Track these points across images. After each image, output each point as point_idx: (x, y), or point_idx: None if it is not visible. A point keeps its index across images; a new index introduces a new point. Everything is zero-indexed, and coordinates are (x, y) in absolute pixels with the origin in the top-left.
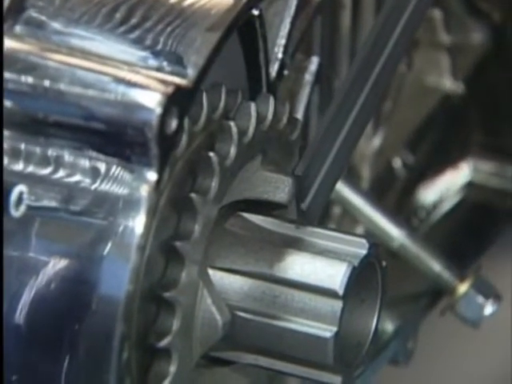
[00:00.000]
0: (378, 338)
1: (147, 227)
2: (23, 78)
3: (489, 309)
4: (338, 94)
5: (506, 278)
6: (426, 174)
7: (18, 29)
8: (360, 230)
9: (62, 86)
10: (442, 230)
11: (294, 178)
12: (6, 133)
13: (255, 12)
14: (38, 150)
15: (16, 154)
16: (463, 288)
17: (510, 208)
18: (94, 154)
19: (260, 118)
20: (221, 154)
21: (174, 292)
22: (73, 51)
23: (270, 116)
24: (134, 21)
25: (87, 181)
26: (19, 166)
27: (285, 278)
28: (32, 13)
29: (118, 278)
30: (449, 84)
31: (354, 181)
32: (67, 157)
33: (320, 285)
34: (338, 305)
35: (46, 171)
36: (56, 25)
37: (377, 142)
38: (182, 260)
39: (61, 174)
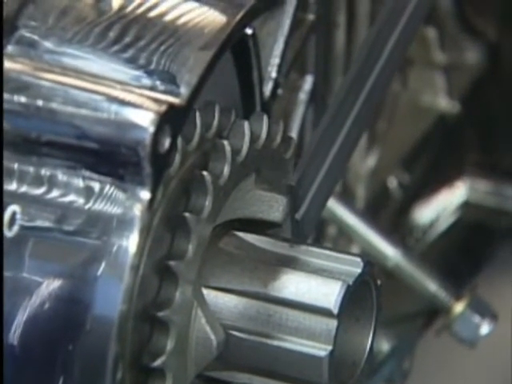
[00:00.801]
0: (373, 357)
1: (141, 247)
2: (16, 98)
3: (485, 328)
4: (332, 105)
5: (502, 297)
6: (421, 194)
7: (10, 48)
8: (355, 249)
9: (55, 106)
10: (438, 250)
11: (288, 188)
12: None
13: (248, 31)
14: (31, 169)
15: (9, 174)
16: (459, 308)
17: (506, 227)
18: (87, 173)
19: (254, 137)
20: (214, 173)
21: (167, 312)
22: (65, 70)
23: (263, 135)
24: (127, 40)
25: (80, 200)
26: (12, 186)
27: (279, 297)
28: (24, 32)
29: (111, 298)
30: (444, 103)
31: (349, 200)
32: (60, 176)
33: (314, 304)
34: (332, 324)
35: (40, 191)
36: (48, 44)
37: (372, 161)
38: (175, 279)
39: (54, 193)
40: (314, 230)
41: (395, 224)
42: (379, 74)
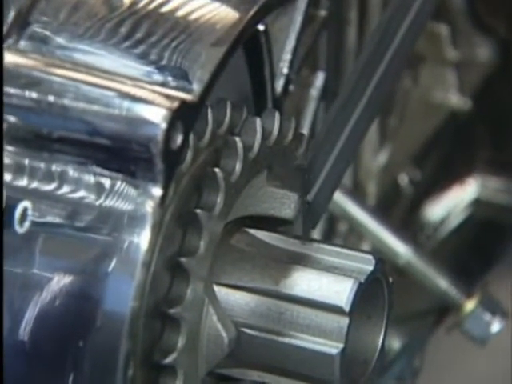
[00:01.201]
0: (384, 354)
1: (152, 243)
2: (27, 94)
3: (496, 326)
4: (344, 88)
5: None
6: (432, 191)
7: (22, 44)
8: (366, 246)
9: (66, 101)
10: (449, 247)
11: (300, 168)
12: (9, 148)
13: (260, 27)
14: (42, 165)
15: (20, 170)
16: (470, 305)
17: None
18: (98, 169)
19: (265, 134)
20: (226, 170)
21: (179, 308)
22: (77, 66)
23: (275, 132)
24: (138, 35)
25: (92, 196)
26: (23, 182)
27: (291, 294)
28: (36, 28)
29: (122, 295)
30: (455, 100)
31: (360, 197)
32: (71, 172)
33: (326, 301)
34: (344, 321)
35: (51, 187)
36: (60, 40)
37: (383, 158)
38: (187, 276)
39: (65, 189)
40: (325, 212)
41: (406, 221)
42: (390, 59)
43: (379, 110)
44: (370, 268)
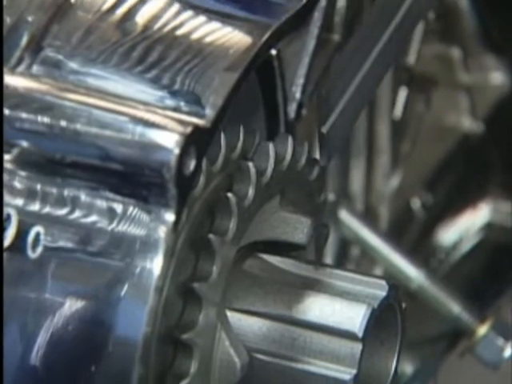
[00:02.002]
0: (397, 380)
1: (165, 268)
2: (40, 118)
3: (508, 351)
4: (369, 20)
5: None
6: (444, 215)
7: (35, 68)
8: (378, 270)
9: (79, 126)
10: (462, 271)
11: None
12: (22, 173)
13: (273, 51)
14: (54, 190)
15: (33, 195)
16: (483, 330)
17: None
18: (110, 194)
19: (278, 159)
20: (239, 195)
21: (191, 334)
22: (89, 91)
23: (288, 156)
24: (151, 60)
25: (104, 221)
26: (36, 207)
27: (304, 319)
28: (49, 52)
29: (135, 320)
30: (468, 124)
31: (372, 221)
32: (84, 197)
33: (339, 327)
34: (357, 347)
35: (63, 212)
36: (73, 64)
37: (395, 182)
38: (199, 301)
39: (77, 214)
40: (339, 148)
41: (418, 245)
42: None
43: (401, 51)
44: (383, 294)
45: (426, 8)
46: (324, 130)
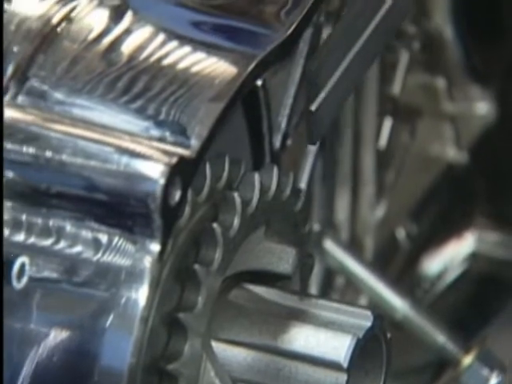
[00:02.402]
0: None
1: (150, 299)
2: (25, 149)
3: (494, 381)
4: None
5: (511, 349)
6: (429, 245)
7: (20, 99)
8: (363, 300)
9: (64, 157)
10: (447, 301)
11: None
12: (7, 203)
13: (259, 82)
14: (39, 220)
15: (17, 225)
16: (468, 360)
17: None
18: (96, 225)
19: (264, 189)
20: (224, 225)
21: (177, 364)
22: (75, 121)
23: (273, 187)
24: (136, 90)
25: (89, 252)
26: (21, 237)
27: (289, 350)
28: (34, 82)
29: (120, 351)
30: (452, 154)
31: (357, 251)
32: (69, 228)
33: (324, 357)
34: (342, 377)
35: (48, 242)
36: (58, 95)
37: (380, 212)
38: (185, 332)
39: (62, 244)
40: (327, 127)
41: (403, 275)
42: None
43: (391, 35)
44: (369, 324)
45: None
46: (312, 107)
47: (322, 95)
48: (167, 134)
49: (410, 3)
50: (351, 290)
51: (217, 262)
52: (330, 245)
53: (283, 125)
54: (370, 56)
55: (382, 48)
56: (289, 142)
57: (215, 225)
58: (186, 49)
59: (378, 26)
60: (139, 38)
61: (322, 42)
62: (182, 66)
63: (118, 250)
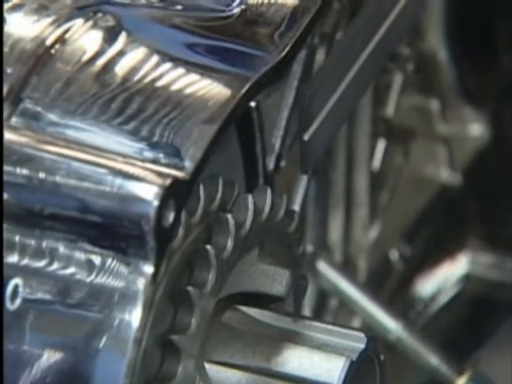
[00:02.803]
0: None
1: (143, 320)
2: (19, 170)
3: None
4: (352, 29)
5: (504, 371)
6: (423, 266)
7: (14, 120)
8: (357, 322)
9: (58, 178)
10: (440, 323)
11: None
12: None
13: (252, 103)
14: (32, 242)
15: (11, 247)
16: (461, 382)
17: (508, 300)
18: (89, 246)
19: (257, 211)
20: (218, 247)
21: None
22: (68, 143)
23: (267, 208)
24: (129, 112)
25: (82, 273)
26: (14, 259)
27: (282, 372)
28: (28, 104)
29: (113, 372)
30: (446, 175)
31: (350, 273)
32: (62, 249)
33: (318, 379)
34: None
35: (41, 264)
36: (52, 116)
37: (373, 233)
38: (178, 354)
39: (56, 266)
40: (320, 155)
41: (397, 297)
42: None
43: (384, 62)
44: (362, 346)
45: (410, 22)
46: (305, 137)
47: (315, 125)
48: (161, 155)
49: (409, 27)
50: (344, 312)
51: (210, 283)
52: (323, 266)
53: (277, 146)
54: (364, 82)
55: (377, 74)
56: (282, 163)
57: (209, 247)
58: (180, 70)
59: (373, 51)
60: (133, 60)
61: (316, 71)
62: (175, 87)
63: (111, 272)
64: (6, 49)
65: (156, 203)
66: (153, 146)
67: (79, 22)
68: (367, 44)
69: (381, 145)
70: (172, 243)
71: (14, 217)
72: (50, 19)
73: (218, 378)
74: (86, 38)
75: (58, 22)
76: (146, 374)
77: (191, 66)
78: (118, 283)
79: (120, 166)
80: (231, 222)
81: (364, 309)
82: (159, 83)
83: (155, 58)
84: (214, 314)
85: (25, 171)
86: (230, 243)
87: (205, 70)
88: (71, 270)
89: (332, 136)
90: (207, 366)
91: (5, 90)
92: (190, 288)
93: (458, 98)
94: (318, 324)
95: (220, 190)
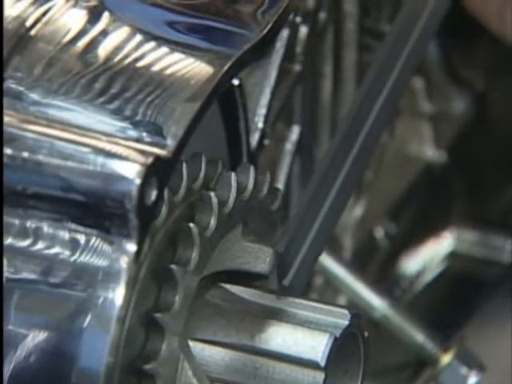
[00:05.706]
0: None
1: (127, 299)
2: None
3: (473, 380)
4: (320, 167)
5: (490, 348)
6: (408, 244)
7: None
8: (342, 300)
9: (41, 158)
10: (425, 300)
11: (276, 253)
12: None
13: (235, 82)
14: (16, 221)
15: None
16: (446, 359)
17: (493, 277)
18: (73, 225)
19: (240, 189)
20: (201, 225)
21: (154, 364)
22: (51, 122)
23: (250, 186)
24: (113, 91)
25: (66, 253)
26: None
27: (266, 349)
28: (10, 84)
29: (97, 351)
30: (431, 153)
31: (335, 251)
32: (46, 229)
33: (301, 356)
34: (319, 376)
35: (25, 243)
36: (34, 96)
37: (358, 211)
38: (162, 332)
39: (40, 245)
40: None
41: (382, 274)
42: (368, 132)
43: (354, 188)
44: (346, 323)
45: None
46: (285, 283)
47: (294, 269)
48: (143, 134)
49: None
50: (330, 290)
51: (194, 261)
52: None
53: (260, 124)
54: (341, 205)
55: (353, 190)
56: (266, 141)
57: (192, 225)
58: (162, 49)
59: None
60: (115, 39)
61: (288, 222)
62: (157, 66)
63: (95, 251)
64: None
65: (138, 181)
66: (135, 124)
67: (61, 1)
68: (334, 185)
69: None
70: (155, 221)
71: None
72: None
73: (202, 356)
74: (67, 18)
75: (39, 2)
76: (130, 353)
77: (173, 45)
78: (101, 262)
79: (102, 144)
80: (214, 199)
81: (349, 286)
82: (142, 62)
83: (138, 37)
84: (197, 291)
85: (8, 150)
86: (213, 221)
87: (187, 49)
88: (55, 249)
89: (312, 271)
90: (191, 343)
91: None
92: (173, 266)
93: (442, 76)
94: (301, 301)
95: (203, 168)
